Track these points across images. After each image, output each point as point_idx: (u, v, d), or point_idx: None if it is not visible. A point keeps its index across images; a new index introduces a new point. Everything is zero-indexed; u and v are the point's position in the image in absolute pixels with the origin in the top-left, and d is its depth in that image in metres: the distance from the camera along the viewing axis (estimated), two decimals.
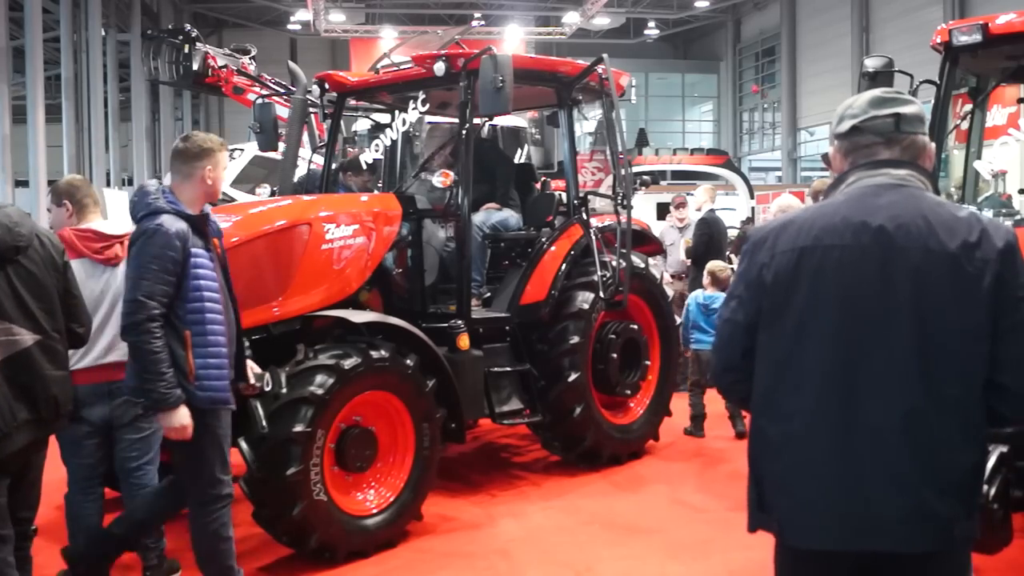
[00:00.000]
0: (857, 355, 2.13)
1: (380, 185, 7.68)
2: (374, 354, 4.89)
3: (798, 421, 2.18)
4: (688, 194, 12.89)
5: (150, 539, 4.41)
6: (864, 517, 2.12)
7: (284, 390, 4.61)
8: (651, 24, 36.87)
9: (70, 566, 4.20)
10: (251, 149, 18.21)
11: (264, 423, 4.56)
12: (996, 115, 9.86)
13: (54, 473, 4.69)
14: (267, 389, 4.31)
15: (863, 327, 2.13)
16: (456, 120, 5.98)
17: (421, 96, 6.20)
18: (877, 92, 2.33)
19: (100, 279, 4.25)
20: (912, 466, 2.09)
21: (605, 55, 6.25)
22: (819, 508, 2.15)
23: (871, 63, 5.00)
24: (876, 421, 2.10)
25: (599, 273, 6.23)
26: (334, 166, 7.06)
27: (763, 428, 2.27)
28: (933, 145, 2.38)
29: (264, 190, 15.50)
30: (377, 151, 7.18)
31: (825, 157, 2.63)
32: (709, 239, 9.51)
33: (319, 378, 4.66)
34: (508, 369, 6.07)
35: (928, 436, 2.10)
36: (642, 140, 27.76)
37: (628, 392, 6.67)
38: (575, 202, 6.60)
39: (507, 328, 6.16)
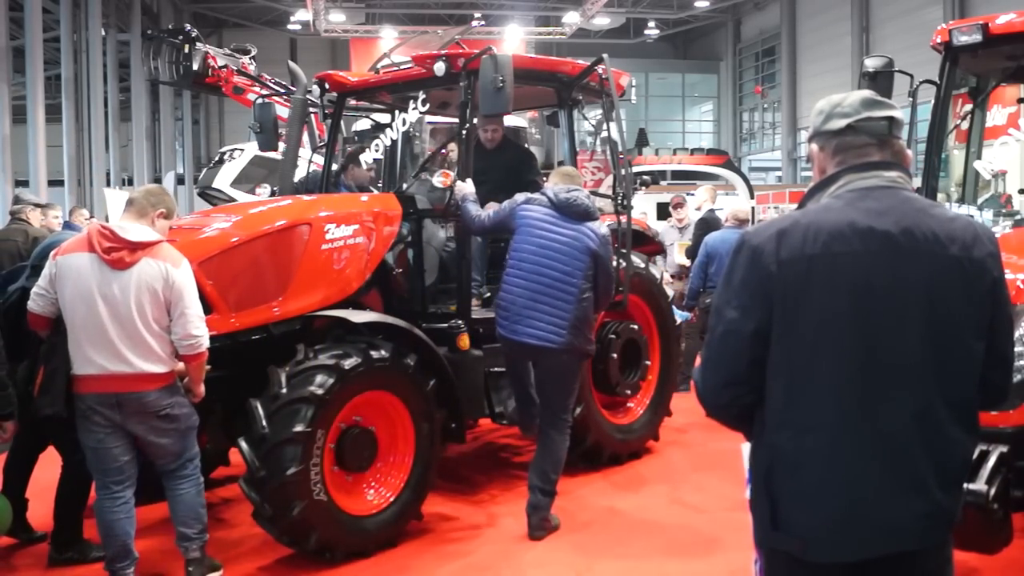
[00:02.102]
0: (873, 363, 2.10)
1: (380, 185, 7.68)
2: (374, 354, 4.89)
3: (819, 435, 2.11)
4: (688, 194, 12.89)
5: (193, 530, 4.39)
6: (886, 522, 2.10)
7: (284, 390, 4.62)
8: (651, 24, 36.90)
9: None
10: (251, 149, 18.22)
11: (264, 423, 4.56)
12: (996, 115, 9.84)
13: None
14: None
15: (878, 335, 2.10)
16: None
17: (421, 96, 6.19)
18: (865, 93, 2.30)
19: (99, 275, 4.12)
20: (926, 466, 2.10)
21: (605, 55, 6.23)
22: (847, 520, 2.10)
23: (871, 63, 4.99)
24: (892, 426, 2.09)
25: None
26: (335, 164, 7.05)
27: (777, 444, 2.16)
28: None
29: (264, 190, 15.49)
30: (377, 151, 7.17)
31: None
32: None
33: (319, 378, 4.66)
34: None
35: (938, 435, 2.12)
36: (642, 140, 27.77)
37: (628, 392, 6.67)
38: None
39: None
